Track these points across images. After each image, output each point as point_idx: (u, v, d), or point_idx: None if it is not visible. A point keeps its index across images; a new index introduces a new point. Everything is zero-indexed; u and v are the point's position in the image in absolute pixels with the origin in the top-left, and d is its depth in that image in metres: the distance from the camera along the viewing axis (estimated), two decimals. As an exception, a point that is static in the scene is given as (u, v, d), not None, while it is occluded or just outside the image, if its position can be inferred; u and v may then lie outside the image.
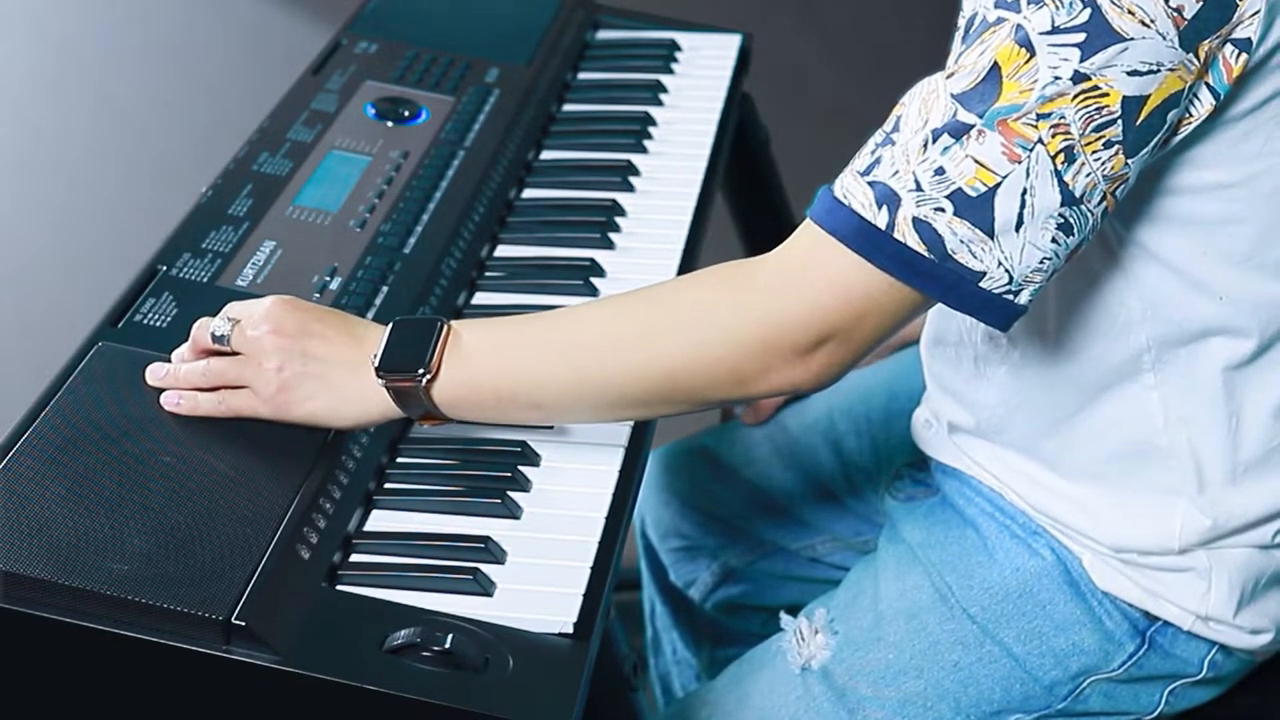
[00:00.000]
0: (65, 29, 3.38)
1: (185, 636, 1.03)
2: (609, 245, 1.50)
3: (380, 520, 1.19)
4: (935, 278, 1.08)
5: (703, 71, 1.81)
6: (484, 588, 1.12)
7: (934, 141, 1.06)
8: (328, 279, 1.34)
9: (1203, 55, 1.05)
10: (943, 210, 1.06)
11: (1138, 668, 1.29)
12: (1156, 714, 1.31)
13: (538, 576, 1.14)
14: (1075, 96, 1.04)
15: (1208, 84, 1.08)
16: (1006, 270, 1.07)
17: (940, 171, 1.06)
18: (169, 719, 1.08)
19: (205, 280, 1.32)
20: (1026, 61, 1.04)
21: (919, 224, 1.07)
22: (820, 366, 1.12)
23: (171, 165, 2.92)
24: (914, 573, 1.34)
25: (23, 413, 1.16)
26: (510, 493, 1.20)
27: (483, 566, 1.13)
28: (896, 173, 1.07)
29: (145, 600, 1.03)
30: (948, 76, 1.07)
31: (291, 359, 1.17)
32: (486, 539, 1.16)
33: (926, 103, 1.08)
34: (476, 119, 1.60)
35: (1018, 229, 1.06)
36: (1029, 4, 1.04)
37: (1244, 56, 1.07)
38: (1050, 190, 1.06)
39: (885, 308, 1.10)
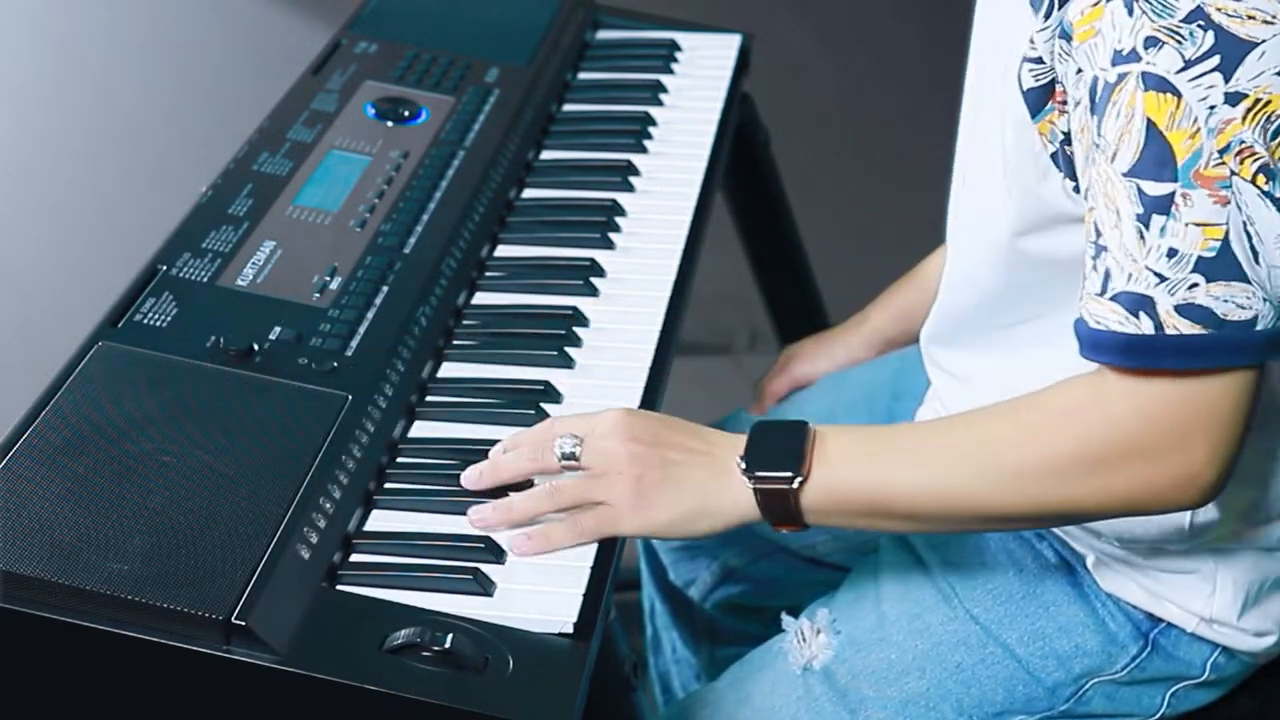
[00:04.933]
0: (65, 29, 3.37)
1: (185, 636, 1.02)
2: (609, 245, 1.50)
3: (380, 520, 1.19)
4: (1218, 349, 1.04)
5: (703, 71, 1.80)
6: (484, 588, 1.12)
7: (1147, 228, 1.03)
8: (328, 279, 1.34)
9: None
10: (1197, 285, 1.03)
11: (1140, 669, 1.29)
12: (1158, 716, 1.31)
13: (538, 576, 1.14)
14: (1243, 118, 1.01)
15: None
16: (1267, 300, 1.05)
17: (1173, 253, 1.03)
18: (169, 719, 1.08)
19: (205, 280, 1.32)
20: (1177, 106, 1.01)
21: (1183, 309, 1.04)
22: (1201, 482, 1.07)
23: (171, 165, 2.92)
24: (917, 573, 1.34)
25: (23, 413, 1.16)
26: (510, 492, 1.20)
27: (483, 566, 1.13)
28: (1130, 275, 1.04)
29: (145, 600, 1.03)
30: (1110, 160, 1.04)
31: (651, 466, 1.14)
32: (486, 539, 1.16)
33: (1108, 196, 1.05)
34: (476, 119, 1.60)
35: (1257, 260, 1.04)
36: (1146, 49, 1.02)
37: None
38: (1266, 210, 1.03)
39: (1200, 400, 1.05)
